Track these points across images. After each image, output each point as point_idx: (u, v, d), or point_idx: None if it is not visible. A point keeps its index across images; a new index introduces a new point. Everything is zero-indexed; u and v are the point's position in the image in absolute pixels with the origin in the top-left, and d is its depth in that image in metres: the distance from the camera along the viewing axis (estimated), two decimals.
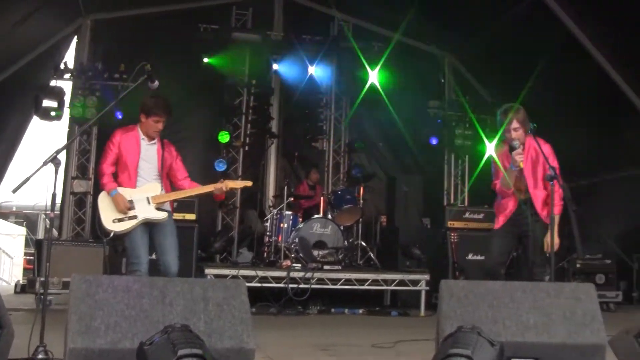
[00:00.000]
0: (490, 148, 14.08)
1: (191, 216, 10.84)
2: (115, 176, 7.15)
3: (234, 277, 9.66)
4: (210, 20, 13.04)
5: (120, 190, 7.04)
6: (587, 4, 11.05)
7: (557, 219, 6.65)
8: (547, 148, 7.00)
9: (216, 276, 9.79)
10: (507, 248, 7.19)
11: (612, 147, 12.55)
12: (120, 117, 11.88)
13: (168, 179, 7.42)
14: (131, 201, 7.02)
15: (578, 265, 11.74)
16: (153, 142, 7.28)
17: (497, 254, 7.13)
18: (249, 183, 7.91)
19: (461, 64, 15.19)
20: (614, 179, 12.88)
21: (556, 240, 6.67)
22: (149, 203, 7.08)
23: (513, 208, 7.10)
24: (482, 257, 10.60)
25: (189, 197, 8.20)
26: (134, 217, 6.99)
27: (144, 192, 7.11)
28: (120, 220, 6.98)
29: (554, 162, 6.90)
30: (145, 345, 3.95)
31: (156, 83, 6.70)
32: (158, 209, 7.13)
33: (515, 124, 6.97)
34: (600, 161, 12.97)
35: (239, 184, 7.82)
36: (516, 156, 6.91)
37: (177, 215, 10.38)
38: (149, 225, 7.12)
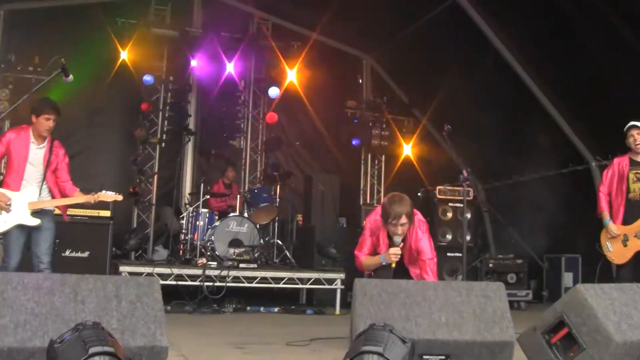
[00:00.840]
0: (407, 149, 14.34)
1: (106, 213, 10.59)
2: (2, 175, 7.38)
3: (149, 274, 9.56)
4: (129, 15, 12.87)
5: (2, 192, 7.24)
6: (503, 10, 11.23)
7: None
8: (423, 242, 6.94)
9: (131, 274, 9.67)
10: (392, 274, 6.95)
11: (526, 150, 12.82)
12: None
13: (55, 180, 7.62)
14: (10, 204, 7.21)
15: (490, 265, 11.99)
16: (42, 145, 7.45)
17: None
18: (120, 197, 7.96)
19: (379, 65, 15.34)
20: (527, 181, 13.19)
21: None
22: (24, 208, 7.25)
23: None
24: None
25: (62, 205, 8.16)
26: (7, 220, 7.19)
27: (22, 196, 7.28)
28: None
29: (431, 255, 6.95)
30: (55, 343, 3.89)
31: (70, 77, 6.68)
32: (33, 214, 7.29)
33: (403, 219, 6.69)
34: (514, 163, 13.26)
35: (109, 197, 7.78)
36: (392, 255, 6.76)
37: (92, 212, 10.25)
38: (26, 228, 7.31)
